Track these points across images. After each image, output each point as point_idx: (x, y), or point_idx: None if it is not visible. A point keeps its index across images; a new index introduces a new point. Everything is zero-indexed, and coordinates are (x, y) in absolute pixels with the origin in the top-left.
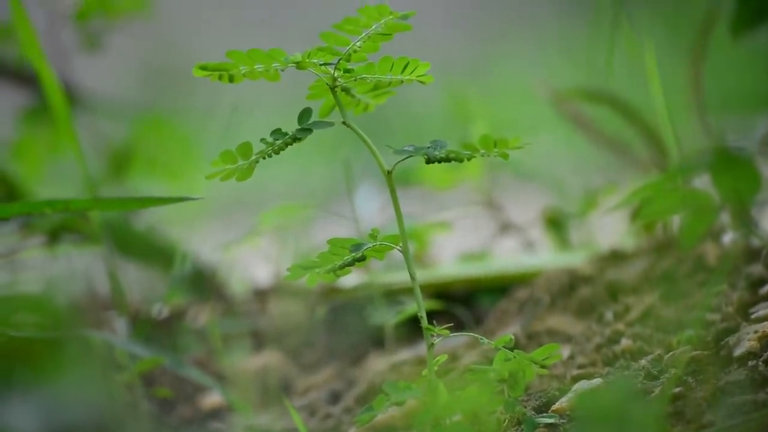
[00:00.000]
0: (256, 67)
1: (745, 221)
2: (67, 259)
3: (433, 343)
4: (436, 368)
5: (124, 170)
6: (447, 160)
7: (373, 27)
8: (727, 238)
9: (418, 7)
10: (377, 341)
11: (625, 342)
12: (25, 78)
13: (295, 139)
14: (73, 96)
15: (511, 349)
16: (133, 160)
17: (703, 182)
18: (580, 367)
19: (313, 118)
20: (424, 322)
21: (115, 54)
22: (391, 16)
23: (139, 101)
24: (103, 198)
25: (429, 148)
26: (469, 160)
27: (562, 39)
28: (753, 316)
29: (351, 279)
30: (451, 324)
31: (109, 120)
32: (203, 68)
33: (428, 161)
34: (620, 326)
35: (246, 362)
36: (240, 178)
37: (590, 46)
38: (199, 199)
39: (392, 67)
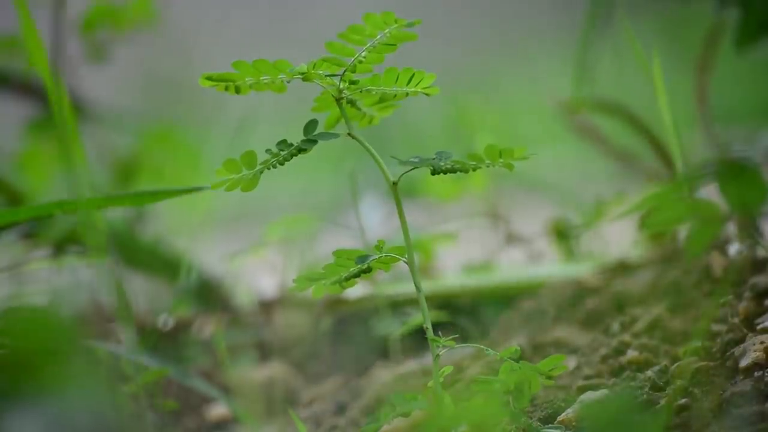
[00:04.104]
0: (262, 78)
1: (751, 232)
2: (72, 271)
3: (438, 354)
4: (441, 379)
5: (130, 181)
6: (452, 170)
7: (379, 36)
8: (733, 248)
9: (422, 20)
10: (383, 352)
11: (631, 353)
12: (31, 89)
13: (301, 150)
14: (79, 107)
15: (517, 360)
16: (139, 170)
17: (708, 192)
18: (586, 378)
19: (319, 129)
20: (430, 334)
21: (121, 64)
22: (396, 25)
23: (144, 112)
24: (114, 194)
25: (434, 159)
26: (474, 170)
27: (568, 50)
28: (759, 327)
29: (356, 290)
30: (457, 335)
31: (115, 131)
32: (209, 78)
33: (434, 172)
34: (626, 337)
35: (251, 373)
36: (245, 188)
37: (597, 56)
38: (207, 189)
39: (397, 78)
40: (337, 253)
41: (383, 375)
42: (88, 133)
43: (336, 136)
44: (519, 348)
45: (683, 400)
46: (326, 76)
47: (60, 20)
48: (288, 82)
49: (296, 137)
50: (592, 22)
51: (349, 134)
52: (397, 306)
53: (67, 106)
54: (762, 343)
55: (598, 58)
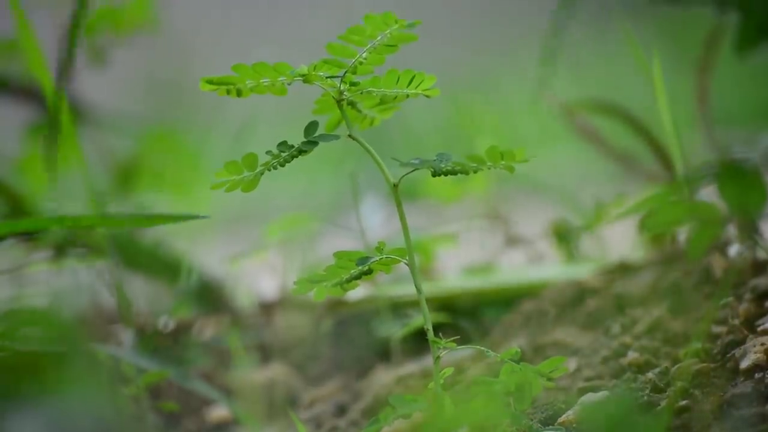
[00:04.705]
0: (262, 81)
1: (751, 233)
2: (72, 273)
3: (439, 356)
4: (442, 381)
5: (130, 184)
6: (453, 172)
7: (379, 37)
8: (734, 250)
9: (423, 20)
10: (383, 354)
11: (631, 355)
12: (31, 93)
13: (301, 151)
14: (79, 111)
15: (518, 362)
16: (140, 173)
17: (708, 194)
18: (586, 379)
19: (320, 130)
20: (431, 335)
21: (121, 68)
22: (396, 26)
23: (145, 115)
24: (112, 215)
25: (435, 160)
26: (475, 172)
27: (567, 52)
28: (759, 329)
29: (357, 292)
30: (457, 337)
31: (116, 134)
32: (209, 82)
33: (434, 174)
34: (627, 339)
35: (252, 375)
36: (245, 189)
37: (595, 58)
38: (206, 218)
39: (398, 80)
40: (338, 255)
41: (384, 377)
42: (89, 137)
43: (336, 137)
44: (519, 349)
45: (684, 402)
46: (327, 77)
47: (60, 23)
48: (288, 84)
49: (297, 138)
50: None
51: (349, 136)
52: (398, 308)
53: (66, 110)
54: (762, 344)
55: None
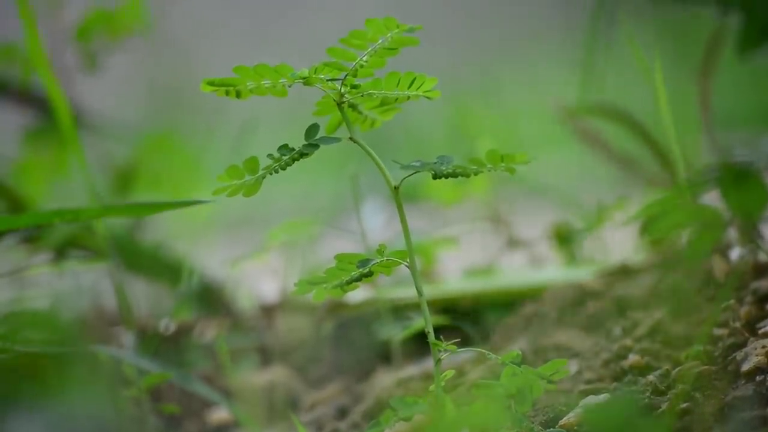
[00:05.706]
0: (263, 82)
1: (752, 236)
2: (73, 275)
3: (440, 359)
4: (443, 383)
5: (129, 189)
6: (454, 175)
7: (380, 41)
8: (735, 253)
9: (423, 22)
10: (384, 356)
11: (632, 357)
12: (28, 98)
13: (302, 154)
14: (77, 116)
15: (519, 365)
16: (138, 178)
17: (710, 198)
18: (587, 382)
19: (320, 133)
20: (431, 338)
21: (117, 73)
22: (397, 30)
23: (143, 120)
24: (113, 205)
25: (436, 163)
26: (476, 175)
27: (569, 54)
28: (760, 332)
29: (358, 294)
30: (458, 339)
31: (114, 140)
32: (210, 84)
33: (435, 176)
34: (628, 341)
35: (253, 377)
36: (247, 193)
37: (597, 60)
38: (209, 202)
39: (399, 82)
40: (339, 257)
41: (385, 379)
42: (87, 143)
43: (337, 140)
44: (520, 352)
45: (685, 405)
46: (327, 80)
47: (56, 28)
48: (289, 86)
49: (298, 141)
50: (595, 24)
51: (350, 138)
52: (399, 310)
53: (68, 115)
54: (764, 347)
55: (603, 62)
